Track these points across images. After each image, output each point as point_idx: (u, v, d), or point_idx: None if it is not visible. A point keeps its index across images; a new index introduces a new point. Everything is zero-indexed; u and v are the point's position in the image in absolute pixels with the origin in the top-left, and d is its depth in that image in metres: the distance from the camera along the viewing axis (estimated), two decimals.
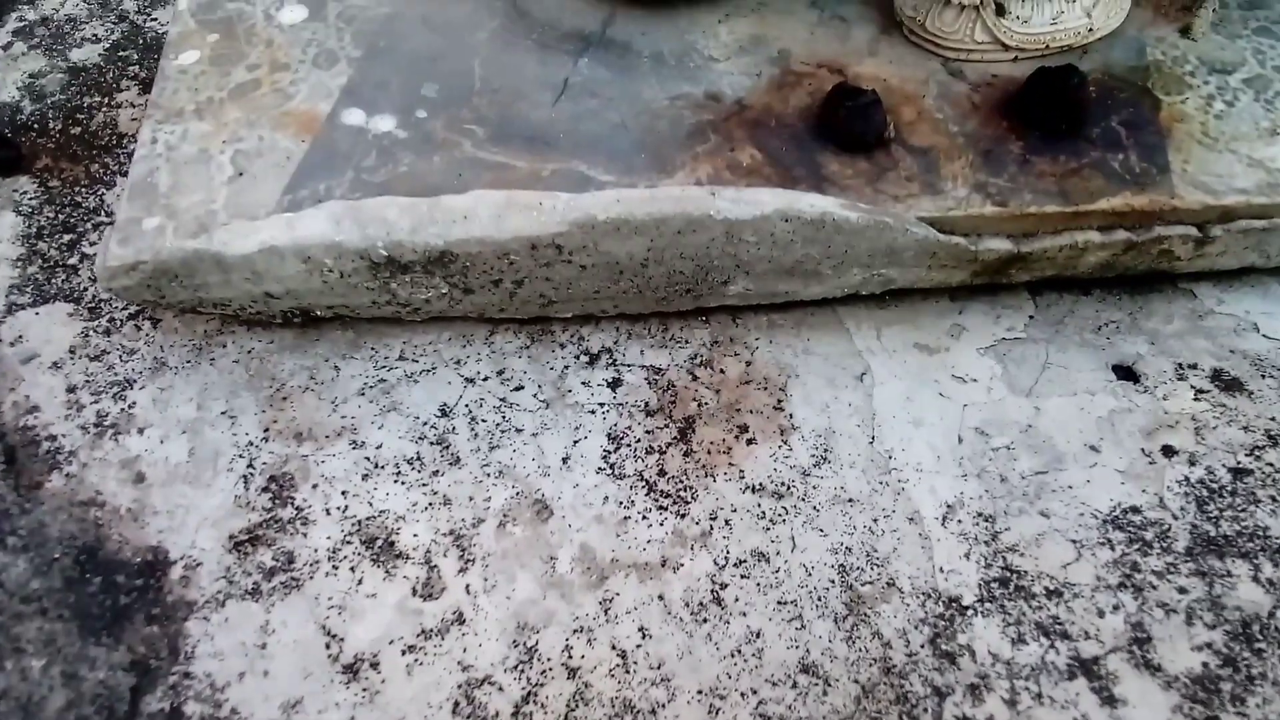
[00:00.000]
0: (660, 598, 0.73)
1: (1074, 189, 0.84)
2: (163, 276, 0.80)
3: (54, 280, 0.93)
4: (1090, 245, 0.85)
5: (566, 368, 0.87)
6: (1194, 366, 0.86)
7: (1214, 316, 0.90)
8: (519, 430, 0.82)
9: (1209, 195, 0.83)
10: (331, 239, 0.78)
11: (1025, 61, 0.94)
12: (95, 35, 1.17)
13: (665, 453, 0.81)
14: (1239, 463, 0.79)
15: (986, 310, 0.91)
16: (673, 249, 0.81)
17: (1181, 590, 0.73)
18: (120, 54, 1.15)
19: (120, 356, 0.87)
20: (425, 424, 0.82)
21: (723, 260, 0.83)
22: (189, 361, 0.87)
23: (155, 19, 1.19)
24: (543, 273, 0.82)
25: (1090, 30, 0.93)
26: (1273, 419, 0.82)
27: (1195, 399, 0.83)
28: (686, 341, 0.89)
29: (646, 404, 0.84)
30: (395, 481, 0.78)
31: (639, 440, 0.82)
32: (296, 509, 0.76)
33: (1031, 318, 0.91)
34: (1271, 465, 0.79)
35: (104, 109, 1.09)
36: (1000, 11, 0.91)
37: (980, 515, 0.77)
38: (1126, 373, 0.87)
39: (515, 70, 0.93)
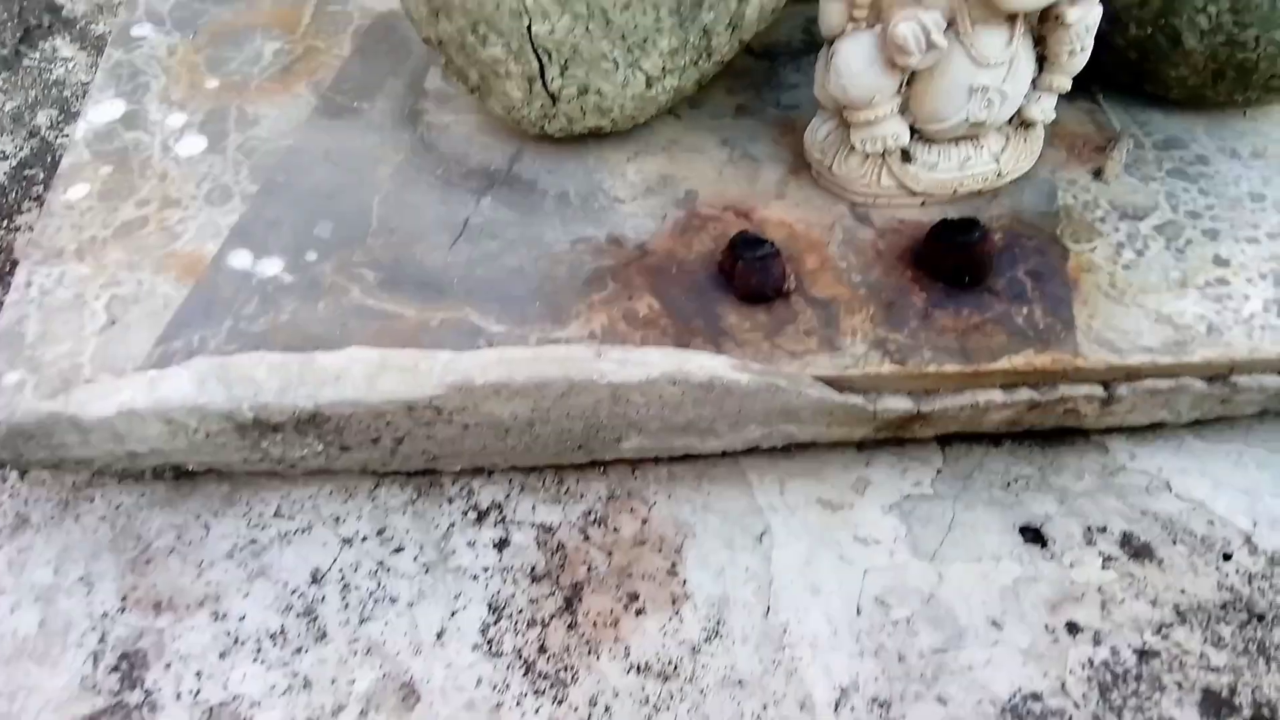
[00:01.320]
0: None
1: (975, 346, 0.82)
2: (18, 438, 0.76)
3: None
4: (992, 405, 0.82)
5: (452, 525, 0.83)
6: (1103, 530, 0.83)
7: (1125, 473, 0.87)
8: (393, 600, 0.77)
9: (1113, 354, 0.81)
10: (195, 401, 0.74)
11: (934, 206, 0.92)
12: (3, 152, 1.15)
13: (548, 625, 0.77)
14: (1145, 643, 0.75)
15: (894, 462, 0.88)
16: (558, 410, 0.78)
17: None
18: (26, 172, 1.13)
19: None
20: (294, 592, 0.77)
21: (612, 420, 0.80)
22: (52, 518, 0.83)
23: (66, 135, 1.17)
24: (423, 431, 0.79)
25: (999, 175, 0.92)
26: (1181, 591, 0.79)
27: (1103, 567, 0.80)
28: (581, 495, 0.86)
29: (533, 568, 0.80)
30: (255, 660, 0.73)
31: (521, 611, 0.77)
32: (145, 692, 0.71)
33: (939, 471, 0.88)
34: (1179, 645, 0.75)
35: (1, 230, 1.06)
36: (906, 158, 0.89)
37: (875, 700, 0.73)
38: (1034, 535, 0.84)
39: (415, 209, 0.91)
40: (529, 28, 0.81)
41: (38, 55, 1.28)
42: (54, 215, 0.89)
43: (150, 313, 0.82)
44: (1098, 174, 0.95)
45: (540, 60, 0.83)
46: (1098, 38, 0.84)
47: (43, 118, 1.19)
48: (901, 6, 0.81)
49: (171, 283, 0.84)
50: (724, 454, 0.88)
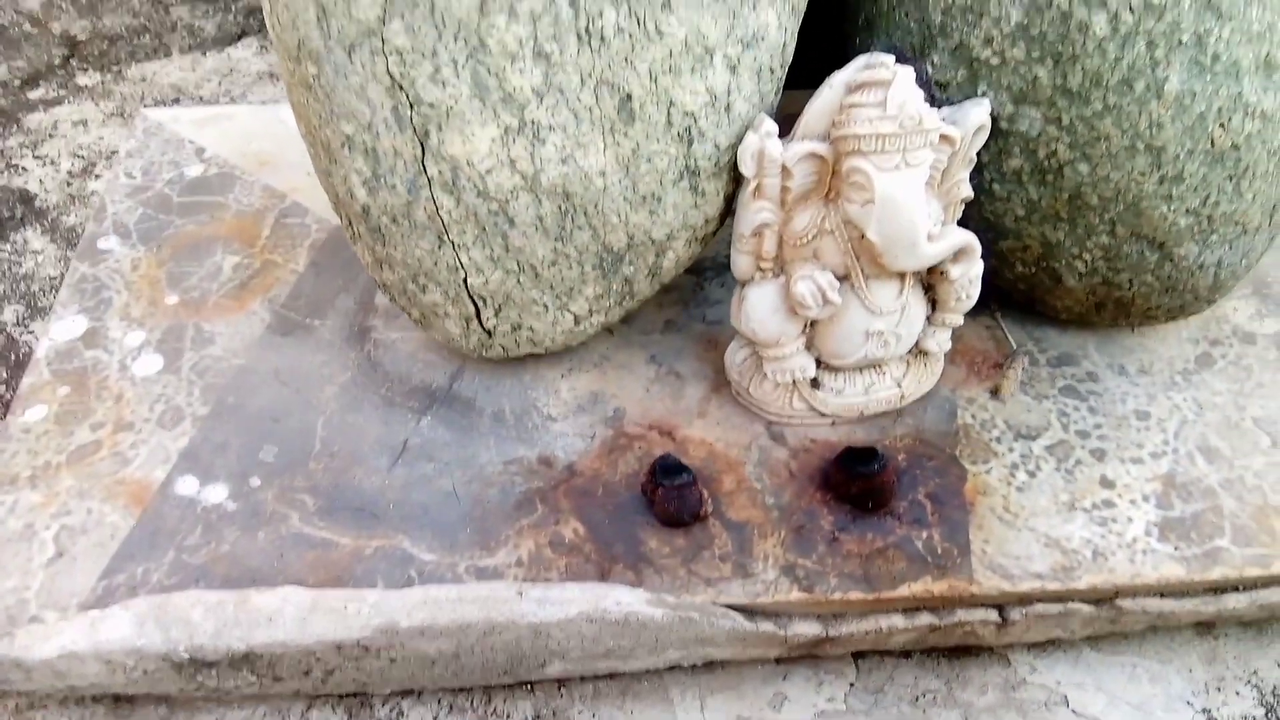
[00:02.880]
0: None
1: (878, 572, 0.87)
2: None
3: None
4: (895, 629, 0.87)
5: None
6: None
7: (1026, 687, 0.92)
8: None
9: (1005, 580, 0.87)
10: (133, 644, 0.78)
11: (843, 425, 0.99)
12: None
13: None
14: None
15: (810, 675, 0.93)
16: (481, 646, 0.82)
17: None
18: None
19: None
20: None
21: (535, 650, 0.84)
22: None
23: (32, 332, 1.23)
24: (353, 665, 0.82)
25: (902, 397, 0.99)
26: None
27: None
28: (509, 716, 0.89)
29: None
30: None
31: None
32: None
33: (852, 685, 0.92)
34: None
35: None
36: (815, 385, 0.97)
37: None
38: None
39: (357, 431, 0.97)
40: (465, 280, 0.88)
41: (8, 247, 1.34)
42: (11, 439, 0.94)
43: (97, 543, 0.86)
44: (995, 393, 1.03)
45: (476, 304, 0.91)
46: (990, 269, 0.93)
47: (9, 313, 1.25)
48: (802, 263, 0.89)
49: (120, 511, 0.88)
50: (647, 671, 0.92)
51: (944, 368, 1.03)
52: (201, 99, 1.66)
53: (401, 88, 0.78)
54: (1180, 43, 0.83)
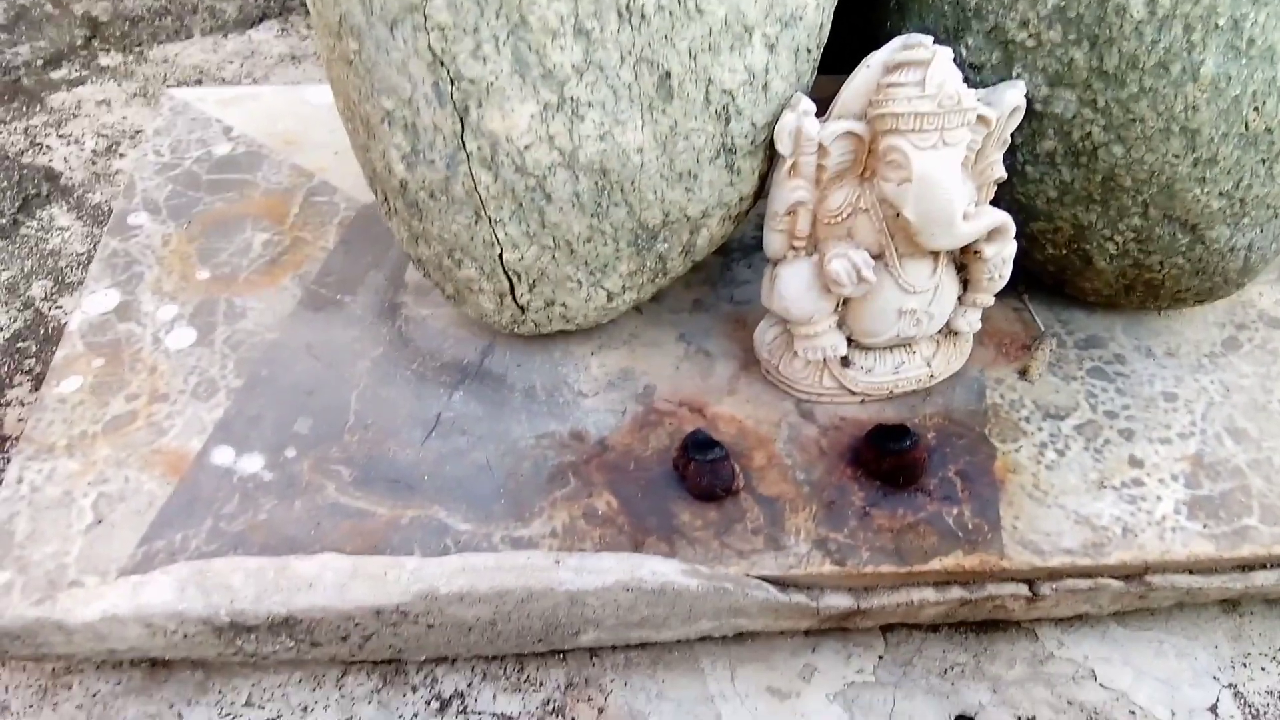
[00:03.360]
0: None
1: (909, 547, 0.88)
2: (3, 638, 0.79)
3: None
4: (926, 602, 0.88)
5: (416, 716, 0.87)
6: (1032, 719, 0.88)
7: (1054, 661, 0.93)
8: None
9: (1036, 555, 0.88)
10: (175, 608, 0.79)
11: (873, 403, 1.00)
12: None
13: None
14: None
15: (839, 648, 0.94)
16: (519, 613, 0.83)
17: None
18: (19, 345, 1.18)
19: None
20: None
21: (570, 619, 0.85)
22: (31, 706, 0.85)
23: (60, 307, 1.24)
24: (389, 631, 0.83)
25: (931, 377, 1.00)
26: None
27: None
28: (541, 684, 0.90)
29: None
30: None
31: None
32: None
33: (881, 657, 0.93)
34: None
35: None
36: (845, 363, 0.97)
37: None
38: None
39: (390, 405, 0.97)
40: (500, 255, 0.89)
41: (35, 224, 1.35)
42: (46, 409, 0.94)
43: (135, 511, 0.86)
44: (1023, 373, 1.04)
45: (510, 280, 0.91)
46: (1020, 251, 0.94)
47: (37, 289, 1.26)
48: (835, 241, 0.90)
49: (157, 480, 0.89)
50: (678, 641, 0.93)
51: (972, 348, 1.03)
52: (224, 80, 1.66)
53: (443, 63, 0.79)
54: (1217, 26, 0.83)
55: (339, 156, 1.25)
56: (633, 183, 0.86)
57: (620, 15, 0.79)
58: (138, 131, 1.53)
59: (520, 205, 0.86)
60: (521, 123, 0.81)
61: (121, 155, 1.48)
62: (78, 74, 1.66)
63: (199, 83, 1.65)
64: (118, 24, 1.78)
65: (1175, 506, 0.92)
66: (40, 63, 1.68)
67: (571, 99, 0.81)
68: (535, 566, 0.81)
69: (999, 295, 0.99)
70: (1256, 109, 0.87)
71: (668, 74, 0.82)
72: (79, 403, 0.95)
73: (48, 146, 1.49)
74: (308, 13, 1.86)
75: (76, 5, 1.83)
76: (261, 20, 1.82)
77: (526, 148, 0.82)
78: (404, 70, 0.80)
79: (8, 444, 1.07)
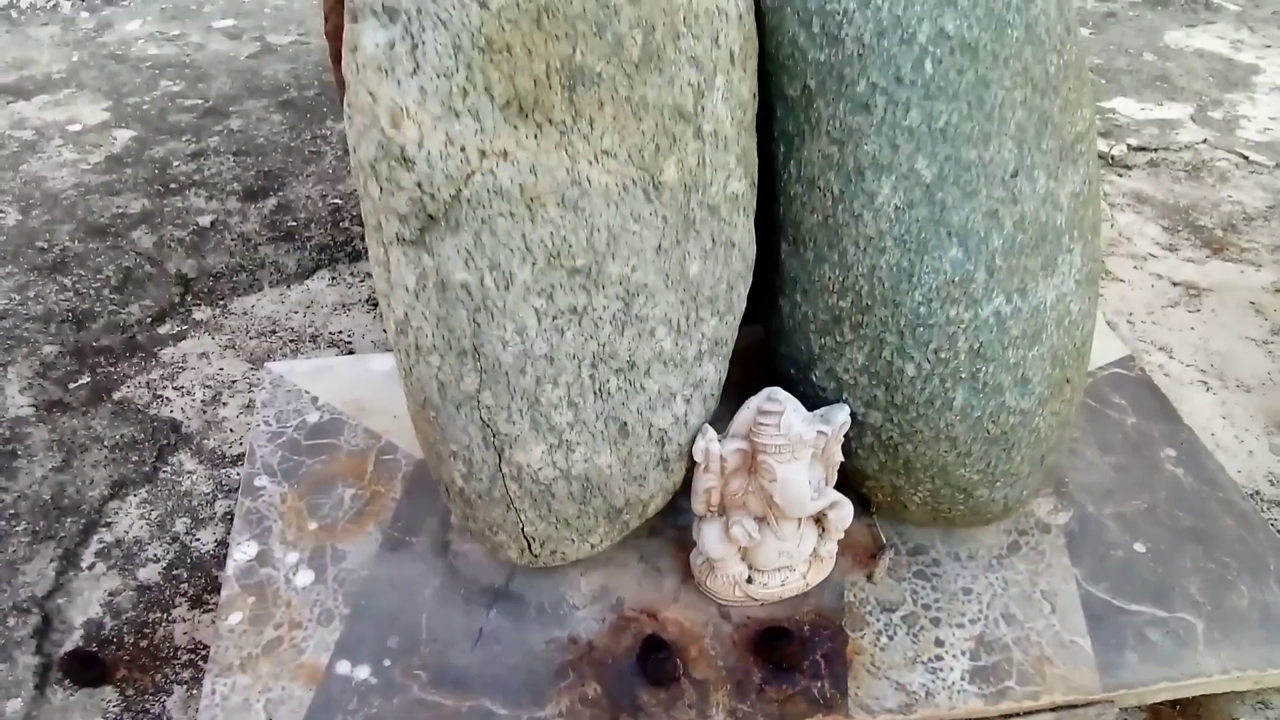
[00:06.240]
0: None
1: (789, 712, 1.37)
2: None
3: None
4: None
5: None
6: None
7: None
8: None
9: (869, 715, 1.37)
10: None
11: (769, 605, 1.50)
12: (155, 556, 1.69)
13: None
14: None
15: None
16: None
17: None
18: (174, 573, 1.66)
19: None
20: None
21: None
22: None
23: (199, 539, 1.72)
24: None
25: (806, 585, 1.51)
26: None
27: None
28: None
29: None
30: None
31: None
32: None
33: None
34: None
35: (163, 624, 1.58)
36: (749, 581, 1.48)
37: None
38: None
39: (448, 622, 1.46)
40: (522, 529, 1.39)
41: (169, 470, 1.84)
42: (222, 637, 1.43)
43: (291, 711, 1.34)
44: (869, 578, 1.55)
45: (528, 541, 1.42)
46: (863, 496, 1.45)
47: (180, 525, 1.74)
48: (736, 510, 1.41)
49: (301, 687, 1.37)
50: None
51: (836, 558, 1.54)
52: (291, 329, 2.18)
53: (488, 425, 1.30)
54: (961, 378, 1.37)
55: (397, 420, 1.76)
56: (605, 485, 1.37)
57: (595, 393, 1.31)
58: (234, 381, 2.03)
59: (535, 501, 1.37)
60: (536, 456, 1.33)
61: (224, 404, 1.98)
62: (179, 328, 2.17)
63: (273, 332, 2.17)
64: (204, 280, 2.31)
65: (961, 674, 1.42)
66: (149, 319, 2.19)
67: (566, 441, 1.32)
68: None
69: (858, 515, 1.50)
70: (993, 422, 1.40)
71: (624, 424, 1.34)
72: (243, 632, 1.43)
73: (167, 399, 1.99)
74: (351, 262, 2.39)
75: (169, 264, 2.35)
76: (315, 270, 2.35)
77: (539, 470, 1.34)
78: (465, 429, 1.32)
79: (179, 651, 1.55)
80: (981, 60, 1.25)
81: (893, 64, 1.24)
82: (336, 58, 1.82)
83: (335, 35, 1.74)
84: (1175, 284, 2.42)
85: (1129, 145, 3.02)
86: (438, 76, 1.09)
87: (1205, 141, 3.07)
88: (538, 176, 1.16)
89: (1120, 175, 2.87)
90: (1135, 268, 2.47)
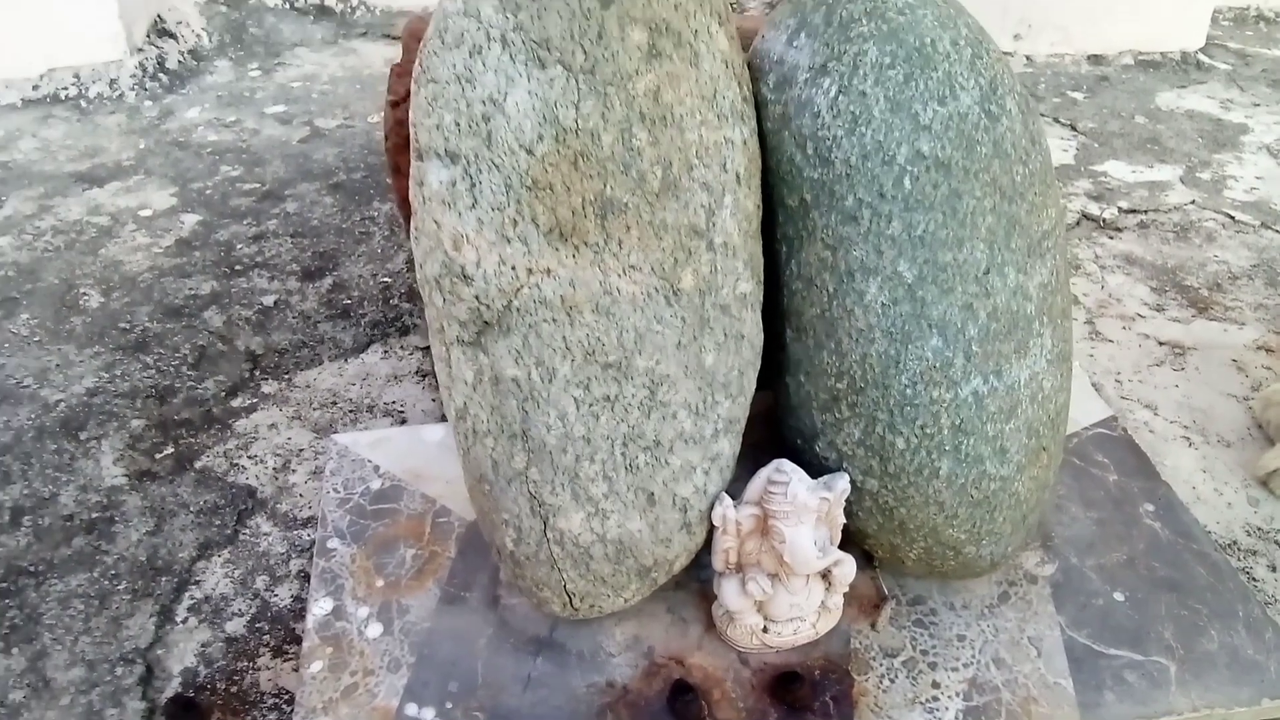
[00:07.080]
0: None
1: None
2: None
3: None
4: None
5: None
6: None
7: None
8: None
9: None
10: None
11: (784, 652, 1.69)
12: (240, 610, 1.91)
13: None
14: None
15: None
16: None
17: None
18: (257, 625, 1.88)
19: None
20: None
21: None
22: None
23: (278, 595, 1.94)
24: None
25: (816, 634, 1.69)
26: None
27: None
28: None
29: None
30: None
31: None
32: None
33: None
34: None
35: (250, 672, 1.80)
36: (765, 630, 1.67)
37: None
38: None
39: (500, 669, 1.67)
40: (565, 586, 1.60)
41: (248, 532, 2.07)
42: (306, 684, 1.64)
43: None
44: (873, 626, 1.73)
45: (570, 596, 1.62)
46: (866, 551, 1.64)
47: (260, 582, 1.97)
48: (751, 566, 1.61)
49: None
50: None
51: (842, 611, 1.73)
52: (350, 400, 2.41)
53: (534, 497, 1.52)
54: (946, 450, 1.56)
55: (450, 485, 1.98)
56: (636, 547, 1.58)
57: (626, 468, 1.52)
58: (301, 450, 2.26)
59: (575, 562, 1.57)
60: (576, 523, 1.54)
61: (293, 471, 2.21)
62: (250, 401, 2.41)
63: (334, 404, 2.40)
64: (270, 356, 2.56)
65: (955, 714, 1.60)
66: (223, 394, 2.43)
67: (602, 510, 1.53)
68: None
69: (862, 568, 1.69)
70: (975, 488, 1.59)
71: (652, 494, 1.55)
72: (324, 679, 1.64)
73: (242, 467, 2.22)
74: (401, 336, 2.64)
75: (238, 340, 2.60)
76: (369, 345, 2.59)
77: (579, 535, 1.55)
78: (515, 500, 1.53)
79: (265, 696, 1.76)
80: (954, 175, 1.46)
81: (876, 182, 1.46)
82: (395, 169, 2.08)
83: (397, 150, 1.99)
84: (1161, 343, 2.61)
85: (1120, 208, 3.22)
86: (492, 210, 1.33)
87: (1193, 202, 3.26)
88: (575, 289, 1.39)
89: (1111, 237, 3.07)
90: (1124, 328, 2.66)
